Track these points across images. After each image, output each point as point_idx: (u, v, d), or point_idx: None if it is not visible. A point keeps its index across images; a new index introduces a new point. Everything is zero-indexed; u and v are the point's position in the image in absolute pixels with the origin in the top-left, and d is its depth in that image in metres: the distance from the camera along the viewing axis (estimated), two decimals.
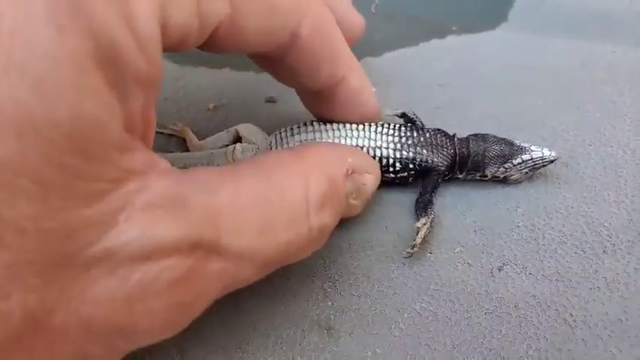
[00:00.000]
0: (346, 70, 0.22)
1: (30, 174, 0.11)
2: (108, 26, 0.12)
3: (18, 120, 0.11)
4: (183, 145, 0.27)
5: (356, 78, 0.22)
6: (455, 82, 0.31)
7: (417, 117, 0.26)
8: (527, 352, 0.20)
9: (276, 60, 0.20)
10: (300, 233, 0.17)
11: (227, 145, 0.26)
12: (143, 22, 0.13)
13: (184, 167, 0.24)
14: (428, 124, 0.26)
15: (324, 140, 0.23)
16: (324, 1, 0.21)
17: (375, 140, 0.24)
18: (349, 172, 0.20)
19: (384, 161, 0.24)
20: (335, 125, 0.24)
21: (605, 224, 0.24)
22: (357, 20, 0.25)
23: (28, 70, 0.11)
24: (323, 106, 0.24)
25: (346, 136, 0.23)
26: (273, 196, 0.16)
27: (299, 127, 0.24)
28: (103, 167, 0.12)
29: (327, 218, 0.18)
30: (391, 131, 0.24)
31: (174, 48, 0.15)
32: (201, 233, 0.14)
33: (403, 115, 0.26)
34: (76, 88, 0.11)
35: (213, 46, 0.17)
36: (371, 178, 0.21)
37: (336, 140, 0.23)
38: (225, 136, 0.26)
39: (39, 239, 0.12)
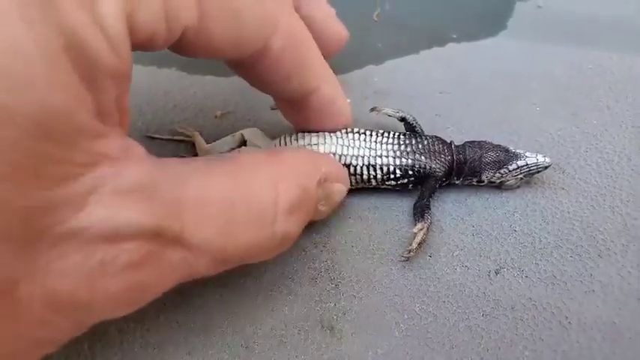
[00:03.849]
0: (319, 81, 0.22)
1: (1, 157, 0.12)
2: (77, 25, 0.13)
3: None
4: (192, 151, 0.28)
5: (329, 88, 0.23)
6: (454, 89, 0.32)
7: (416, 122, 0.27)
8: (523, 353, 0.21)
9: (247, 67, 0.21)
10: (263, 238, 0.18)
11: (233, 149, 0.27)
12: (111, 21, 0.13)
13: None
14: (428, 131, 0.27)
15: (327, 148, 0.24)
16: (306, 11, 0.21)
17: (376, 150, 0.24)
18: (322, 181, 0.20)
19: (385, 169, 0.24)
20: (338, 133, 0.25)
21: (600, 229, 0.24)
22: (338, 31, 0.25)
23: None
24: (297, 114, 0.24)
25: (349, 145, 0.24)
26: (239, 198, 0.17)
27: (303, 135, 0.25)
28: (73, 152, 0.13)
29: (293, 225, 0.19)
30: (390, 140, 0.25)
31: (144, 47, 0.16)
32: (164, 223, 0.15)
33: (403, 120, 0.27)
34: (47, 82, 0.12)
35: (184, 49, 0.18)
36: (340, 187, 0.22)
37: (339, 149, 0.24)
38: (231, 140, 0.27)
39: (11, 216, 0.12)
